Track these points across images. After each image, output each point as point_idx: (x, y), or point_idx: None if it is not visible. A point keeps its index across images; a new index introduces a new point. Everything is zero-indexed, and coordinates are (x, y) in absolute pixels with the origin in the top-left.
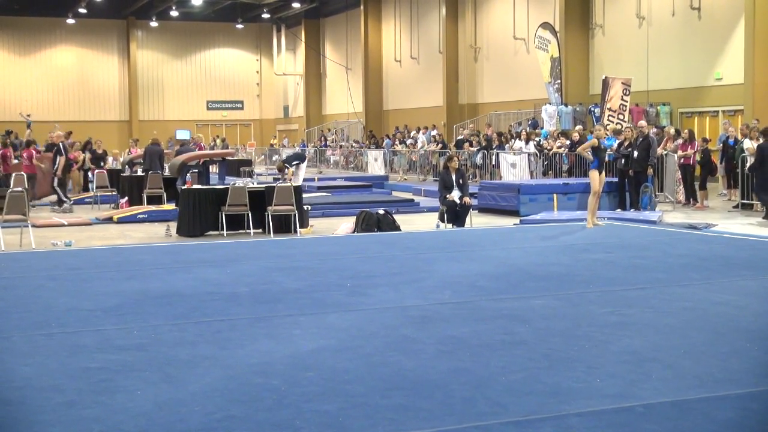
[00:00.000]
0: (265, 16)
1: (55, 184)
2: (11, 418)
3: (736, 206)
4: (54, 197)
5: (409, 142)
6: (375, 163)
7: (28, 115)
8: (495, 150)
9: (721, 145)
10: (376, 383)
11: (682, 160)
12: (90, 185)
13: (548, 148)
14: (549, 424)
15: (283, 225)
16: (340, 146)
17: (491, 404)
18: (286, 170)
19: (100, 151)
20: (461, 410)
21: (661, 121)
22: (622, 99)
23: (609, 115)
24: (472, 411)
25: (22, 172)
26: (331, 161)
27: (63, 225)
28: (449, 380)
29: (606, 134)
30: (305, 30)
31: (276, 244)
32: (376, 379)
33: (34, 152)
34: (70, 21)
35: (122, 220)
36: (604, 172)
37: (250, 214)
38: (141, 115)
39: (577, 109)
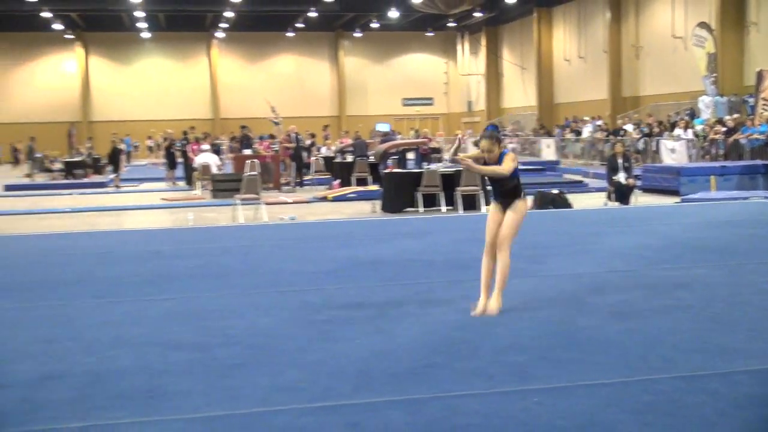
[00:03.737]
0: (451, 25)
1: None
2: (256, 361)
3: None
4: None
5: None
6: (547, 150)
7: (276, 117)
8: (656, 137)
9: None
10: (557, 340)
11: None
12: (308, 170)
13: (704, 135)
14: (716, 380)
15: (471, 203)
16: (517, 135)
17: (662, 360)
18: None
19: (308, 143)
20: (635, 365)
21: None
22: None
23: (763, 104)
24: (644, 366)
25: (256, 160)
26: (509, 148)
27: (287, 203)
28: (622, 339)
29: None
30: (486, 36)
31: (464, 220)
32: (556, 336)
33: (267, 144)
34: (290, 34)
35: (335, 199)
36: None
37: (442, 194)
38: (348, 111)
39: (732, 99)
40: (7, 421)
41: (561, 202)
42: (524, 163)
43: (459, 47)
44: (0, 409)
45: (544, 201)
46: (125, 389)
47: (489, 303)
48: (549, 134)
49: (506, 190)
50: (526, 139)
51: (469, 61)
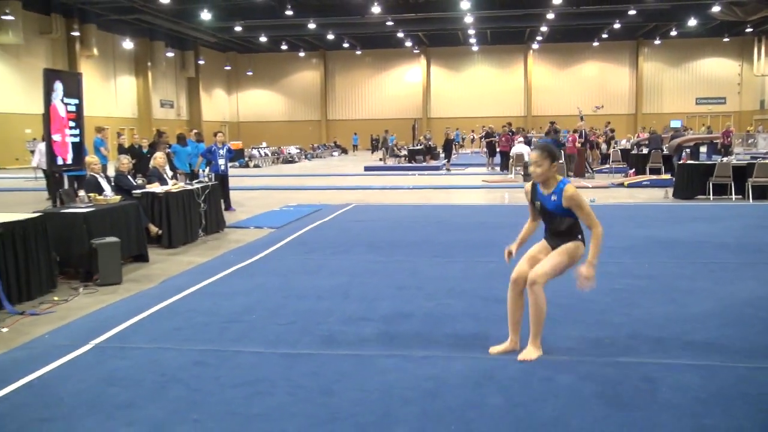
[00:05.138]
0: (748, 30)
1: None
2: (565, 318)
3: None
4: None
5: None
6: None
7: (581, 114)
8: None
9: None
10: None
11: None
12: (606, 160)
13: None
14: None
15: (762, 193)
16: None
17: None
18: None
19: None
20: None
21: None
22: None
23: None
24: None
25: (561, 150)
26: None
27: (588, 187)
28: None
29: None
30: None
31: (755, 208)
32: None
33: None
34: (595, 44)
35: (631, 185)
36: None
37: (733, 184)
38: (644, 109)
39: None
40: (370, 345)
41: None
42: None
43: (755, 50)
44: (366, 336)
45: None
46: (457, 330)
47: (525, 350)
48: None
49: (559, 231)
50: None
51: (765, 63)
